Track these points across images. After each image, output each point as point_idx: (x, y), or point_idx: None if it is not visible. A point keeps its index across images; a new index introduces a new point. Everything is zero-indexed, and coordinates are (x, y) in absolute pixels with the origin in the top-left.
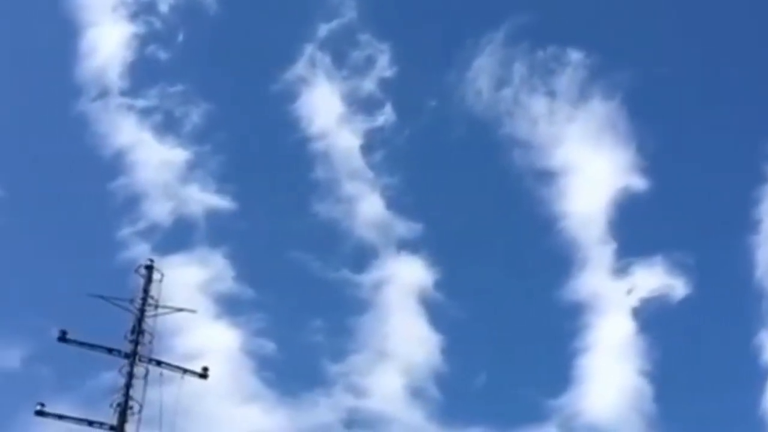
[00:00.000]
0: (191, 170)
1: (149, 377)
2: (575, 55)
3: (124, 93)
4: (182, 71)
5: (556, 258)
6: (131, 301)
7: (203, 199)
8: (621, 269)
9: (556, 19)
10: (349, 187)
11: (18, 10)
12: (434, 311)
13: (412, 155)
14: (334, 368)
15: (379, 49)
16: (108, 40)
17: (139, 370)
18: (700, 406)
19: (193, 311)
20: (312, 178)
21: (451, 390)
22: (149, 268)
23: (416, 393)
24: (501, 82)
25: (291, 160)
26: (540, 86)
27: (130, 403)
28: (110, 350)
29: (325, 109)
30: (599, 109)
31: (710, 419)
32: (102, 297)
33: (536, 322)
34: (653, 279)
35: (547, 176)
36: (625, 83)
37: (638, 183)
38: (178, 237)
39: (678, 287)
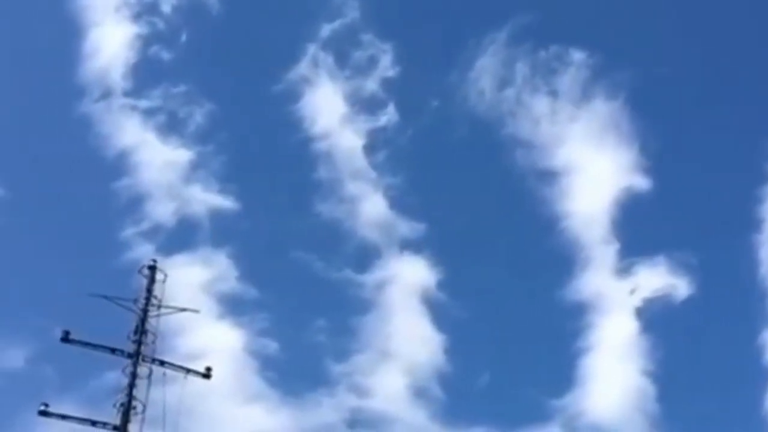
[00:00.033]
0: (194, 170)
1: (152, 377)
2: (578, 55)
3: (127, 93)
4: (185, 72)
5: (559, 258)
6: (134, 301)
7: (206, 199)
8: (624, 269)
9: (559, 19)
10: (352, 187)
11: (21, 10)
12: (437, 311)
13: (414, 155)
14: (337, 368)
15: (382, 49)
16: (111, 41)
17: (142, 370)
18: (703, 406)
19: (196, 311)
20: (315, 178)
21: (454, 390)
22: (152, 269)
23: (419, 393)
24: (503, 82)
25: (294, 160)
26: (542, 86)
27: (134, 403)
28: (113, 350)
29: (327, 109)
30: (602, 108)
31: (713, 419)
32: (105, 297)
33: (539, 322)
34: (656, 279)
35: (549, 176)
36: (628, 83)
37: (641, 183)
38: (182, 237)
39: (681, 287)
